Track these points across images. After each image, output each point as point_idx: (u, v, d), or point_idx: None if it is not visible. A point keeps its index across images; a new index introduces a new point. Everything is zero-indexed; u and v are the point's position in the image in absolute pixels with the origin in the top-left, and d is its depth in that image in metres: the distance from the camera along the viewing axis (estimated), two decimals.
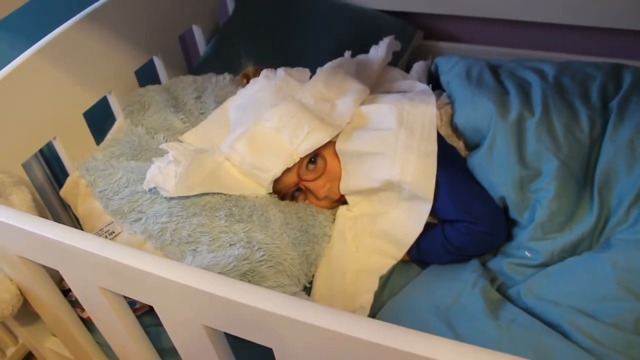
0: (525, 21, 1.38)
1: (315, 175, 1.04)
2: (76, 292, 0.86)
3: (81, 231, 0.76)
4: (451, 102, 1.09)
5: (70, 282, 0.85)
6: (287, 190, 1.05)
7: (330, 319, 0.59)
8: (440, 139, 1.01)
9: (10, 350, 1.52)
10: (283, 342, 0.66)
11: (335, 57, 1.23)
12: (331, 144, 1.04)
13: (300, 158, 1.01)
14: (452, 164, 1.01)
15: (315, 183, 1.04)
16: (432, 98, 1.06)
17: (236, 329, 0.69)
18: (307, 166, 1.03)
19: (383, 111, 1.04)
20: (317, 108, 1.06)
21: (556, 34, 1.39)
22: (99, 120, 1.29)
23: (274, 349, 0.68)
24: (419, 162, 0.97)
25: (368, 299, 0.98)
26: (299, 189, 1.06)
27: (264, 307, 0.61)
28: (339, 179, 1.04)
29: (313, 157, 1.03)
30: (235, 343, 0.79)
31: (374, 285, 1.00)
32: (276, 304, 0.61)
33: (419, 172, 0.96)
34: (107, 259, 0.71)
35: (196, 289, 0.65)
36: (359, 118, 1.06)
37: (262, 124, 1.03)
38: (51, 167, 1.46)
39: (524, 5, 1.35)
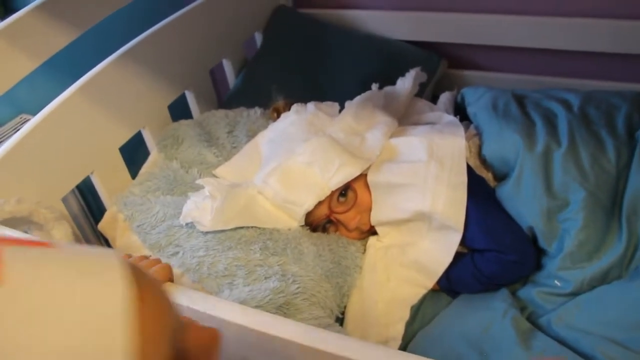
0: (548, 49, 1.40)
1: (346, 208, 1.07)
2: None
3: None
4: (479, 134, 1.11)
5: None
6: (318, 222, 1.08)
7: (363, 352, 0.61)
8: (469, 170, 1.03)
9: None
10: None
11: (362, 90, 1.26)
12: (362, 176, 1.07)
13: (332, 191, 1.04)
14: (481, 194, 1.03)
15: (346, 215, 1.07)
16: (461, 130, 1.08)
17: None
18: (338, 199, 1.06)
19: (413, 144, 1.07)
20: (347, 142, 1.09)
21: (576, 61, 1.41)
22: (132, 153, 1.33)
23: None
24: (449, 192, 0.99)
25: (399, 329, 1.00)
26: (330, 221, 1.09)
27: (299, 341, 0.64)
28: (369, 211, 1.06)
29: (344, 190, 1.06)
30: None
31: (406, 315, 1.02)
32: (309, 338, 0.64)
33: (450, 203, 0.98)
34: None
35: (236, 324, 0.68)
36: (390, 151, 1.09)
37: (294, 158, 1.06)
38: (86, 200, 1.50)
39: (546, 33, 1.38)
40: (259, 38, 1.62)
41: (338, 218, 1.07)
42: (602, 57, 1.36)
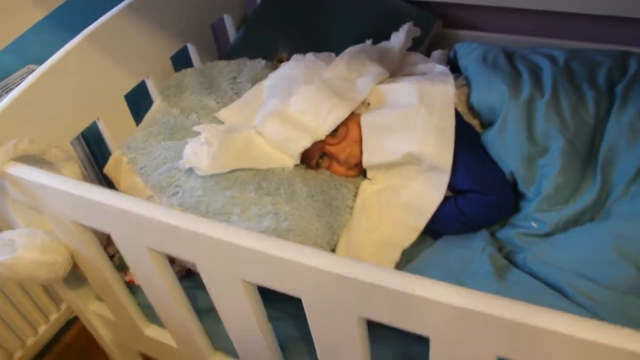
0: (540, 10, 1.44)
1: (338, 141, 1.13)
2: (124, 253, 0.96)
3: (132, 196, 0.86)
4: (468, 84, 1.17)
5: (119, 244, 0.95)
6: (312, 156, 1.14)
7: (351, 267, 0.68)
8: (458, 116, 1.09)
9: (54, 316, 1.64)
10: (310, 293, 0.75)
11: (357, 44, 1.31)
12: (352, 115, 1.13)
13: None
14: (468, 139, 1.09)
15: (338, 147, 1.13)
16: (451, 78, 1.14)
17: (269, 281, 0.78)
18: (330, 133, 1.12)
19: (405, 89, 1.13)
20: (338, 86, 1.15)
21: (568, 22, 1.45)
22: (137, 102, 1.39)
23: (302, 299, 0.77)
24: (438, 135, 1.05)
25: None
26: (322, 155, 1.15)
27: (295, 259, 0.71)
28: (359, 143, 1.12)
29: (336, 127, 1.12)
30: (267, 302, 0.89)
31: (397, 256, 1.08)
32: (304, 256, 0.71)
33: (438, 145, 1.04)
34: (157, 220, 0.81)
35: (236, 245, 0.75)
36: (382, 96, 1.15)
37: (288, 107, 1.12)
38: (91, 148, 1.57)
39: None
40: None
41: (330, 150, 1.14)
42: (589, 18, 1.40)
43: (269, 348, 0.97)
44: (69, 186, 0.91)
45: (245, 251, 0.75)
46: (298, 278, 0.74)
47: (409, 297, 0.65)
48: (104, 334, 1.35)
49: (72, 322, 1.73)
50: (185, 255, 0.86)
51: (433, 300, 0.64)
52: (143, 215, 0.83)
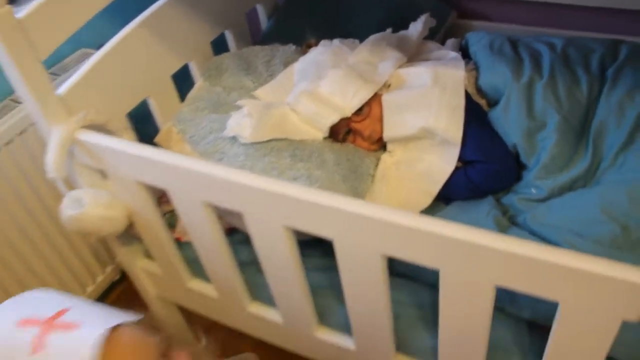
0: (543, 2, 1.58)
1: (362, 118, 1.29)
2: (179, 208, 1.13)
3: (184, 155, 1.02)
4: (476, 68, 1.33)
5: (175, 199, 1.11)
6: (339, 131, 1.30)
7: (377, 210, 0.84)
8: (467, 96, 1.25)
9: (99, 278, 1.80)
10: (345, 234, 0.91)
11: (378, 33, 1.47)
12: (375, 95, 1.28)
13: None
14: (475, 116, 1.24)
15: (362, 124, 1.29)
16: (462, 63, 1.30)
17: (305, 225, 0.94)
18: (356, 112, 1.28)
19: (421, 72, 1.28)
20: (362, 70, 1.31)
21: (567, 13, 1.59)
22: (179, 83, 1.55)
23: (334, 241, 0.93)
24: (449, 112, 1.20)
25: None
26: (348, 132, 1.31)
27: (329, 204, 0.87)
28: (380, 121, 1.28)
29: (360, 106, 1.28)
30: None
31: None
32: (336, 201, 0.87)
33: (450, 120, 1.20)
34: (212, 175, 0.97)
35: (279, 194, 0.91)
36: (402, 78, 1.30)
37: (319, 88, 1.28)
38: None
39: None
40: None
41: (355, 127, 1.29)
42: (590, 10, 1.54)
43: (302, 292, 1.13)
44: (133, 148, 1.08)
45: (286, 199, 0.91)
46: (330, 221, 0.90)
47: (423, 234, 0.81)
48: (149, 288, 1.52)
49: (116, 284, 1.90)
50: (235, 205, 1.02)
51: (438, 234, 0.80)
52: (199, 171, 0.99)
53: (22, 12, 1.06)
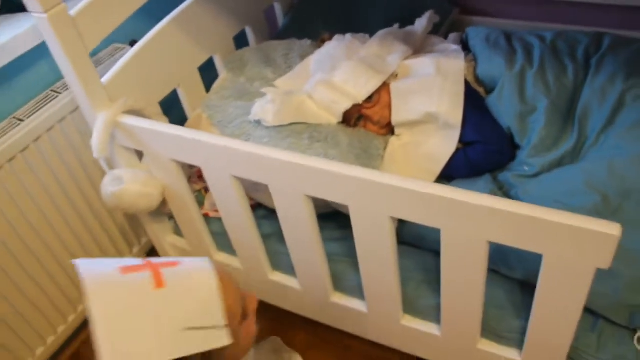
0: None
1: (372, 105, 1.43)
2: (211, 182, 1.27)
3: (225, 138, 1.17)
4: (475, 59, 1.47)
5: (207, 174, 1.26)
6: (351, 116, 1.44)
7: (385, 177, 0.99)
8: (467, 84, 1.39)
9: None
10: (358, 200, 1.05)
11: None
12: (384, 84, 1.43)
13: None
14: (474, 102, 1.38)
15: (372, 110, 1.43)
16: (462, 55, 1.44)
17: (324, 193, 1.09)
18: (366, 99, 1.42)
19: (425, 63, 1.43)
20: (372, 61, 1.45)
21: (558, 9, 1.74)
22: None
23: (349, 206, 1.07)
24: (451, 98, 1.35)
25: None
26: (359, 118, 1.45)
27: (345, 173, 1.01)
28: (388, 107, 1.42)
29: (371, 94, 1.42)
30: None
31: None
32: (350, 170, 1.01)
33: (451, 105, 1.34)
34: (241, 150, 1.12)
35: (300, 165, 1.06)
36: (407, 68, 1.45)
37: (334, 77, 1.42)
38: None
39: None
40: None
41: (366, 113, 1.43)
42: (577, 5, 1.68)
43: (320, 257, 1.28)
44: (170, 129, 1.23)
45: (307, 170, 1.06)
46: (346, 189, 1.05)
47: (426, 196, 0.96)
48: None
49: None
50: (261, 177, 1.16)
51: (439, 196, 0.94)
52: (230, 148, 1.14)
53: (74, 9, 1.21)
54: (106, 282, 0.74)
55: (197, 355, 0.75)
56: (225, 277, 0.84)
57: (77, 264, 0.76)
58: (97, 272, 0.75)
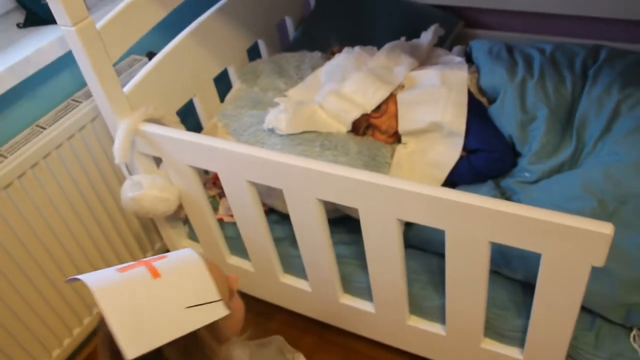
0: (546, 13, 1.78)
1: (380, 115, 1.50)
2: (227, 187, 1.34)
3: (241, 144, 1.24)
4: (478, 71, 1.54)
5: (224, 179, 1.32)
6: (360, 125, 1.50)
7: (393, 180, 1.05)
8: (470, 94, 1.46)
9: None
10: (367, 203, 1.11)
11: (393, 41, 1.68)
12: (391, 95, 1.49)
13: None
14: (477, 111, 1.45)
15: (380, 119, 1.50)
16: (465, 66, 1.51)
17: (334, 197, 1.15)
18: (374, 109, 1.49)
19: (430, 74, 1.50)
20: (380, 73, 1.52)
21: (557, 22, 1.80)
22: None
23: (359, 209, 1.14)
24: (455, 108, 1.41)
25: None
26: (367, 126, 1.51)
27: (355, 177, 1.08)
28: (395, 117, 1.49)
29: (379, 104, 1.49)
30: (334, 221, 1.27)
31: None
32: (360, 174, 1.08)
33: (455, 115, 1.41)
34: (255, 156, 1.19)
35: (313, 170, 1.12)
36: (413, 79, 1.52)
37: (344, 88, 1.49)
38: None
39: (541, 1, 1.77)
40: (312, 1, 2.04)
41: (374, 122, 1.50)
42: (575, 19, 1.75)
43: (330, 259, 1.34)
44: (189, 137, 1.30)
45: (319, 174, 1.13)
46: (356, 192, 1.11)
47: (431, 199, 1.02)
48: None
49: None
50: (275, 182, 1.22)
51: (443, 199, 1.01)
52: (246, 154, 1.21)
53: (99, 22, 1.28)
54: (109, 281, 0.84)
55: (203, 329, 0.85)
56: (209, 262, 0.94)
57: (79, 278, 0.85)
58: (98, 276, 0.85)
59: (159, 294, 0.84)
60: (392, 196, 1.07)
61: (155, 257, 0.91)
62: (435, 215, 1.06)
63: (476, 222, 1.02)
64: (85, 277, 0.84)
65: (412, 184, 1.05)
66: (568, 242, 0.96)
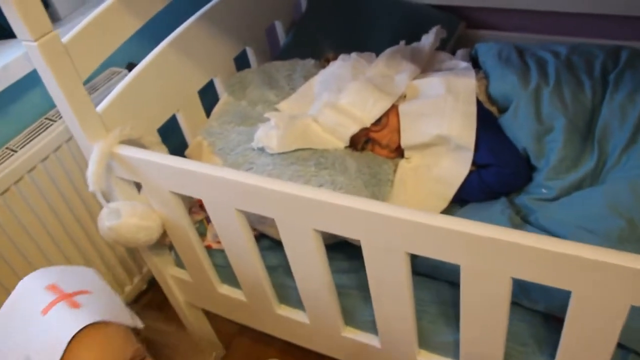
0: (551, 11, 1.67)
1: (380, 128, 1.37)
2: (213, 215, 1.21)
3: (217, 166, 1.10)
4: (486, 77, 1.41)
5: (209, 207, 1.19)
6: (359, 140, 1.37)
7: (398, 210, 0.92)
8: (479, 103, 1.33)
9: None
10: (367, 234, 0.98)
11: (393, 45, 1.54)
12: (392, 106, 1.36)
13: None
14: (488, 122, 1.32)
15: (380, 134, 1.37)
16: (472, 72, 1.38)
17: (333, 228, 1.02)
18: (374, 122, 1.36)
19: (434, 82, 1.37)
20: (379, 82, 1.39)
21: (570, 21, 1.68)
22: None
23: (361, 241, 1.01)
24: (462, 119, 1.28)
25: None
26: (367, 141, 1.39)
27: (356, 206, 0.95)
28: (397, 131, 1.36)
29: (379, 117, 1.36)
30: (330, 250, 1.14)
31: None
32: (363, 204, 0.95)
33: (463, 127, 1.28)
34: (244, 183, 1.06)
35: (307, 199, 0.99)
36: (416, 88, 1.39)
37: (340, 100, 1.36)
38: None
39: None
40: (304, 3, 1.91)
41: (374, 137, 1.37)
42: (592, 17, 1.63)
43: (330, 291, 1.21)
44: (169, 160, 1.16)
45: (316, 203, 0.99)
46: (357, 223, 0.98)
47: (444, 231, 0.89)
48: (178, 295, 1.60)
49: (143, 294, 1.96)
50: (267, 211, 1.09)
51: (458, 231, 0.88)
52: (233, 180, 1.08)
53: (66, 36, 1.15)
54: None
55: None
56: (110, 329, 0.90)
57: None
58: None
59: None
60: (399, 228, 0.94)
61: (79, 301, 0.90)
62: (449, 250, 0.93)
63: (497, 257, 0.89)
64: None
65: (422, 214, 0.92)
66: (604, 280, 0.83)
